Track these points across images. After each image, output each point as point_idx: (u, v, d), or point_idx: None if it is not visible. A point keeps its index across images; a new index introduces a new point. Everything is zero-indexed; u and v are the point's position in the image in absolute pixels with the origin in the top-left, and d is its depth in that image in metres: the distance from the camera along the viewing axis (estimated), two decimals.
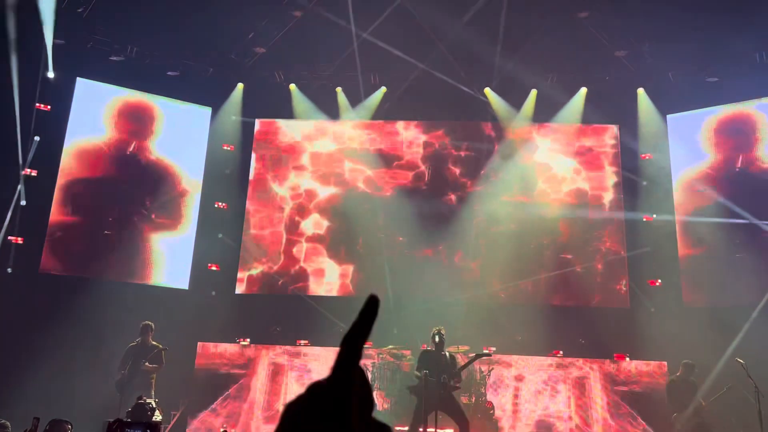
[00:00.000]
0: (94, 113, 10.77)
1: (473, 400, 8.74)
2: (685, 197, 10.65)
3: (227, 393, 9.43)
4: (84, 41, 10.25)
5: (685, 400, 8.24)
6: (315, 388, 0.69)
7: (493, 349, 9.17)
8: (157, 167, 11.09)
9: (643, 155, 10.97)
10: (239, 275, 11.12)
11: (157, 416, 6.44)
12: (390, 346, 9.09)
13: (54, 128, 10.24)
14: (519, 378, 9.42)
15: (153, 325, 8.30)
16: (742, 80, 10.09)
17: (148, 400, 6.57)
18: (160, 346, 8.18)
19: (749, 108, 10.44)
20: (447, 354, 7.56)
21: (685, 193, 10.66)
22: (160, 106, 11.26)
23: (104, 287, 9.83)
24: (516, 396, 9.32)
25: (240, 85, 11.44)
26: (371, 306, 0.73)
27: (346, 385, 0.68)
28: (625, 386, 9.26)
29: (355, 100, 11.43)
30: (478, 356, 7.86)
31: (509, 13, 9.49)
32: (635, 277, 10.65)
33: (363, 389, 0.70)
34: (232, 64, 11.11)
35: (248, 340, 9.87)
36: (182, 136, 11.30)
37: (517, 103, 11.23)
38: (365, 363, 9.04)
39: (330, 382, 0.68)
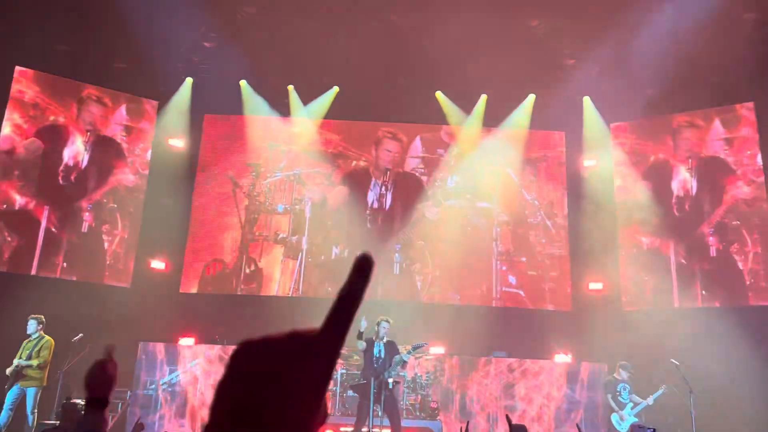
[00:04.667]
0: (34, 103, 10.34)
1: (418, 400, 8.80)
2: (627, 203, 10.99)
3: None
4: (27, 29, 9.82)
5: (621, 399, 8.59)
6: (302, 336, 0.65)
7: (442, 350, 9.24)
8: (103, 161, 10.74)
9: (587, 162, 11.28)
10: (184, 274, 10.90)
11: None
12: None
13: None
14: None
15: (42, 318, 8.15)
16: (681, 91, 10.45)
17: (75, 400, 6.20)
18: (51, 339, 8.09)
19: (692, 117, 10.84)
20: (385, 342, 7.42)
21: (627, 199, 11.00)
22: (106, 97, 10.90)
23: (37, 283, 9.45)
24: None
25: (189, 80, 11.19)
26: (364, 267, 0.68)
27: (338, 343, 0.65)
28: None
29: (307, 98, 11.35)
30: (415, 348, 7.76)
31: (461, 17, 9.59)
32: (578, 280, 10.94)
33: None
34: (181, 58, 10.83)
35: (193, 338, 9.68)
36: (129, 129, 10.98)
37: (467, 107, 11.37)
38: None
39: (323, 336, 0.65)
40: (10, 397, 7.80)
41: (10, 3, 9.37)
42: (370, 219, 11.11)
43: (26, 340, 8.08)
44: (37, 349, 7.94)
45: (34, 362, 7.86)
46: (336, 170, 11.43)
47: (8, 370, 7.88)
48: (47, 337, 8.10)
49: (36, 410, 7.85)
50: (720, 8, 8.85)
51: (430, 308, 10.49)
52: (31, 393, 7.86)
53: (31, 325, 8.05)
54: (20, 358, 7.92)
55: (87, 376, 2.08)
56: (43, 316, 8.16)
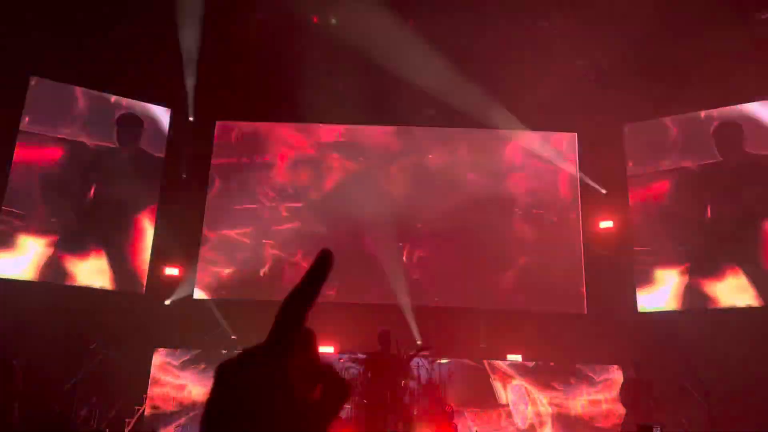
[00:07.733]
0: (47, 111, 10.44)
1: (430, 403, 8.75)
2: (640, 204, 10.90)
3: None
4: (39, 38, 9.92)
5: (637, 399, 8.48)
6: (249, 353, 0.60)
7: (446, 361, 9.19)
8: (115, 168, 10.82)
9: (600, 163, 11.19)
10: (198, 279, 10.93)
11: None
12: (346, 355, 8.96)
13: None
14: None
15: None
16: (695, 89, 10.35)
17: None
18: None
19: (704, 116, 10.75)
20: (391, 352, 7.50)
21: (640, 200, 10.92)
22: (119, 104, 10.99)
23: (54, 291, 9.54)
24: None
25: (201, 86, 11.20)
26: (322, 263, 0.67)
27: (282, 352, 0.60)
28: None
29: (320, 104, 11.34)
30: (419, 351, 7.83)
31: (473, 18, 9.58)
32: (592, 282, 10.83)
33: (306, 354, 0.62)
34: (194, 64, 10.87)
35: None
36: (142, 136, 11.07)
37: (480, 108, 11.33)
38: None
39: (265, 348, 0.60)
40: None
41: (19, 12, 9.47)
42: (377, 219, 11.02)
43: None
44: None
45: None
46: (347, 172, 11.44)
47: None
48: None
49: None
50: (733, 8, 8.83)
51: (438, 311, 10.42)
52: None
53: None
54: None
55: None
56: None
